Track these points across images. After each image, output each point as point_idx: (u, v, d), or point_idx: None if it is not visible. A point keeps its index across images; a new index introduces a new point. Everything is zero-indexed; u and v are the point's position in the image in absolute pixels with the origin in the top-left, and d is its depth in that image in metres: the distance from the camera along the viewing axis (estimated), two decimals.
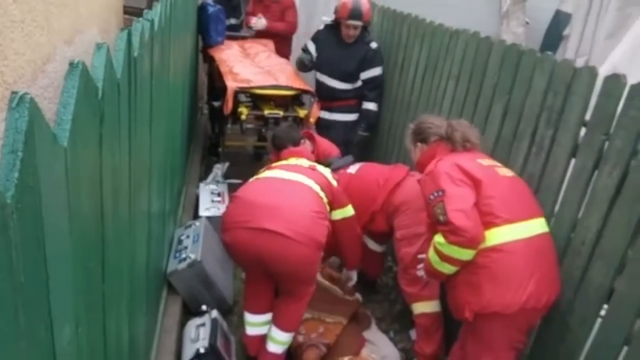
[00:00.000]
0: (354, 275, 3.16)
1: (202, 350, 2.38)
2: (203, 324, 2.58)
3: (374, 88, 4.13)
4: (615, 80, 1.94)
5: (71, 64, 0.82)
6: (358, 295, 3.16)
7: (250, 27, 5.45)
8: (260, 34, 5.27)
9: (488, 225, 2.02)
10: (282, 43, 5.42)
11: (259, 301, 2.69)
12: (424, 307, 2.73)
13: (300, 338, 2.75)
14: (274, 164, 2.81)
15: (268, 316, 2.69)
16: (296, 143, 2.98)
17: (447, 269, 2.11)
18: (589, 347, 1.97)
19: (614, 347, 1.83)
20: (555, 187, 2.21)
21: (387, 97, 4.03)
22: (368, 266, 3.36)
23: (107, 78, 1.01)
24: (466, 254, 2.02)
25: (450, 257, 2.05)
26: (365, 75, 4.13)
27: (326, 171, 2.78)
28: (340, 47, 4.13)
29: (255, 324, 2.71)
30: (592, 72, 2.07)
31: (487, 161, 2.25)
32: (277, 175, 2.61)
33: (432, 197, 2.10)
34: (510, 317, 2.00)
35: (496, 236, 2.02)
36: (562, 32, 4.87)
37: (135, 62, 1.34)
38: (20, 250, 0.62)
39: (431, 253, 2.15)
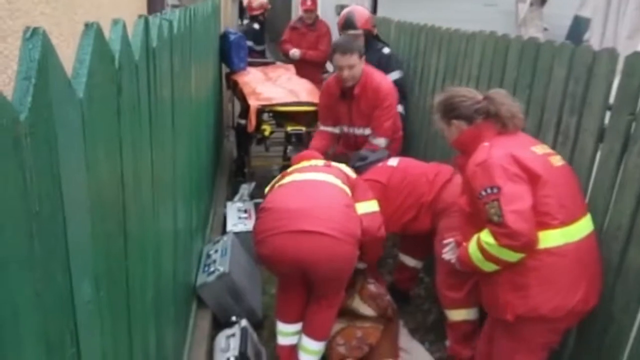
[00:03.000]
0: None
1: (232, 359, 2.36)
2: (233, 334, 2.56)
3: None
4: (636, 58, 1.90)
5: (86, 24, 0.86)
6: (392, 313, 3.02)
7: (286, 56, 5.63)
8: (295, 62, 5.43)
9: (543, 226, 1.85)
10: (313, 70, 5.52)
11: (292, 309, 2.65)
12: (467, 315, 2.63)
13: (342, 349, 2.68)
14: (289, 170, 2.80)
15: (300, 325, 2.65)
16: None
17: (489, 267, 1.96)
18: (634, 335, 1.87)
19: None
20: (585, 174, 2.15)
21: (409, 107, 4.01)
22: (403, 281, 3.31)
23: (123, 51, 1.04)
24: (516, 257, 1.87)
25: (497, 257, 1.90)
26: None
27: (341, 165, 2.79)
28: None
29: (288, 333, 2.67)
30: (612, 54, 2.04)
31: (539, 148, 2.03)
32: (297, 179, 2.59)
33: (484, 192, 1.89)
34: (555, 320, 1.90)
35: (550, 238, 1.86)
36: (582, 37, 4.83)
37: (154, 53, 1.39)
38: (35, 176, 0.64)
39: (473, 249, 1.98)
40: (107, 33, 1.11)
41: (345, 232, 2.31)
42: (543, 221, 1.85)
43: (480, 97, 2.15)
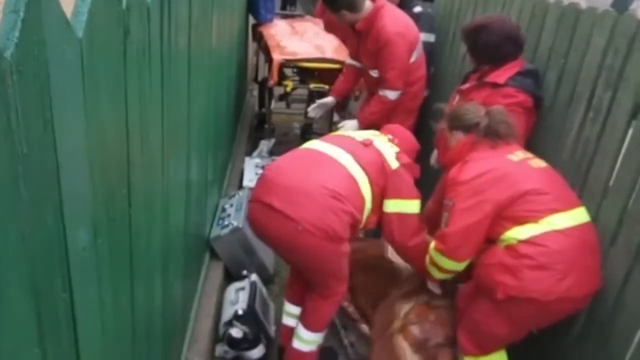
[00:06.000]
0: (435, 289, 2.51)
1: (240, 312, 2.40)
2: (243, 288, 2.60)
3: None
4: None
5: None
6: None
7: None
8: None
9: (533, 218, 1.97)
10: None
11: (294, 289, 2.53)
12: None
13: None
14: (331, 134, 2.63)
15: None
16: None
17: (435, 273, 2.24)
18: None
19: None
20: (614, 151, 2.05)
21: (439, 70, 3.88)
22: None
23: None
24: (450, 264, 2.13)
25: (435, 262, 2.18)
26: None
27: (388, 150, 2.35)
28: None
29: (289, 314, 2.53)
30: None
31: (519, 154, 2.16)
32: (315, 148, 2.35)
33: (445, 202, 2.16)
34: (547, 303, 1.91)
35: (538, 227, 1.95)
36: (628, 6, 4.57)
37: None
38: (22, 117, 0.61)
39: (427, 256, 2.26)
40: None
41: (315, 224, 2.02)
42: (531, 214, 1.97)
43: (482, 112, 2.28)
